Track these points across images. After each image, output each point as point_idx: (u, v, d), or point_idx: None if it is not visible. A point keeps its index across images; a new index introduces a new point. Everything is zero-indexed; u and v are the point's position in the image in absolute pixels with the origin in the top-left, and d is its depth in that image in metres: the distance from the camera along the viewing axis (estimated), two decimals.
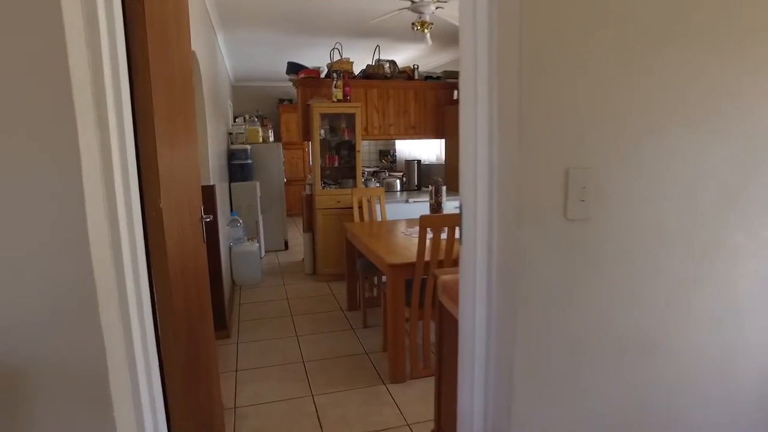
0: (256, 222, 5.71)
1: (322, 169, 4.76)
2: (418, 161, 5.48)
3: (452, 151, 5.22)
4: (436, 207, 3.35)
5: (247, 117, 7.42)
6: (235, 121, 7.20)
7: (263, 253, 5.92)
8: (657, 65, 1.17)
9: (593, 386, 1.29)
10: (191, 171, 1.85)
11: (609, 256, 1.23)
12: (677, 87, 1.19)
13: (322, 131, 4.73)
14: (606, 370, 1.28)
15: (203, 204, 3.30)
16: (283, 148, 8.81)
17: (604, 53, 1.14)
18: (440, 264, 2.70)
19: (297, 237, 6.69)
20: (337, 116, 4.82)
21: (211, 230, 3.35)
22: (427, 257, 2.65)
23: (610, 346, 1.27)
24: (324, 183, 4.83)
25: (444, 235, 2.68)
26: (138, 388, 1.12)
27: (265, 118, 8.66)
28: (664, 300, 1.28)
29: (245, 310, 4.10)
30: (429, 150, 6.87)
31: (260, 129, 6.10)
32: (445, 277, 1.89)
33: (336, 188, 4.83)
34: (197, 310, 1.78)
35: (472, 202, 1.28)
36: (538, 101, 1.13)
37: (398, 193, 5.23)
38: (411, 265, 2.68)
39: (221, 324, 3.52)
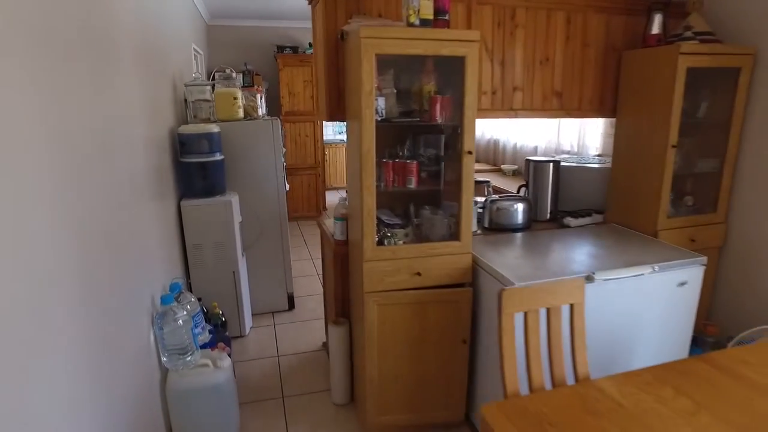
0: (234, 273, 2.98)
1: (382, 192, 1.96)
2: (556, 163, 2.69)
3: (635, 145, 2.42)
4: None
5: (228, 71, 4.49)
6: (216, 80, 4.30)
7: (248, 329, 3.21)
8: None
9: None
10: None
11: None
12: None
13: (381, 101, 1.94)
14: None
15: None
16: (284, 120, 5.96)
17: None
18: None
19: (310, 273, 3.96)
20: (417, 64, 2.01)
21: None
22: None
23: None
24: (382, 225, 2.05)
25: None
26: None
27: (257, 74, 5.77)
28: None
29: None
30: (516, 127, 4.03)
31: (240, 93, 3.27)
32: None
33: (410, 241, 2.06)
34: None
35: None
36: None
37: (524, 239, 2.43)
38: None
39: None
